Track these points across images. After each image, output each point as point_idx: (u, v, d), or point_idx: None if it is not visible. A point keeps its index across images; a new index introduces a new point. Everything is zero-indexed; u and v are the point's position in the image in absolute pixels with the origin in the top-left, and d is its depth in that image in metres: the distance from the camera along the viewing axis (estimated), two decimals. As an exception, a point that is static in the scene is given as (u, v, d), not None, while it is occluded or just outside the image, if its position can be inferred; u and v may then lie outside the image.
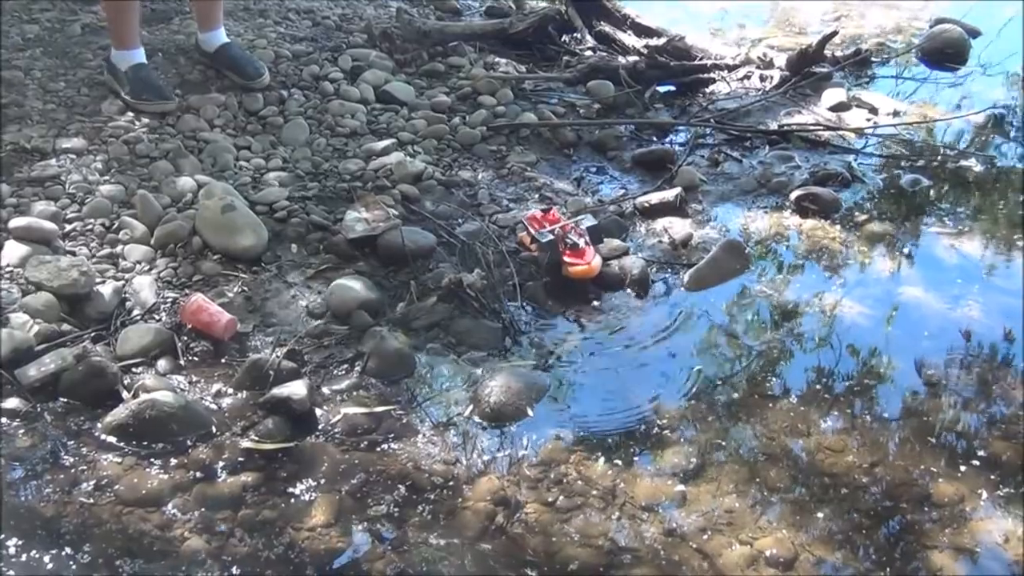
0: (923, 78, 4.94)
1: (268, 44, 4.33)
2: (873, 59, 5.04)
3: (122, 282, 3.01)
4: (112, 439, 2.54)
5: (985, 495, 2.47)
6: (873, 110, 4.49)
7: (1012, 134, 4.42)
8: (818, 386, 2.88)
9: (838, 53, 4.92)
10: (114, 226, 3.21)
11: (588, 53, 4.80)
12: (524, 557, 2.29)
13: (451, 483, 2.48)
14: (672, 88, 4.66)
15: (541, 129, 4.14)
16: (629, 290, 3.24)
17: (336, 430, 2.63)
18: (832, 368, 2.95)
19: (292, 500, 2.42)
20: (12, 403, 2.61)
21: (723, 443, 2.65)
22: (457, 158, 3.90)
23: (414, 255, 3.22)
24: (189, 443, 2.55)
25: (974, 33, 5.28)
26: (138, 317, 2.92)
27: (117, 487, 2.41)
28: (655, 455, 2.61)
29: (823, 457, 2.59)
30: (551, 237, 3.23)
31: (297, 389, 2.64)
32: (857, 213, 3.73)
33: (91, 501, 2.38)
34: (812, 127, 4.32)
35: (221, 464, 2.51)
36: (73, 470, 2.46)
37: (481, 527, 2.36)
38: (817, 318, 3.16)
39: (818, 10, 5.82)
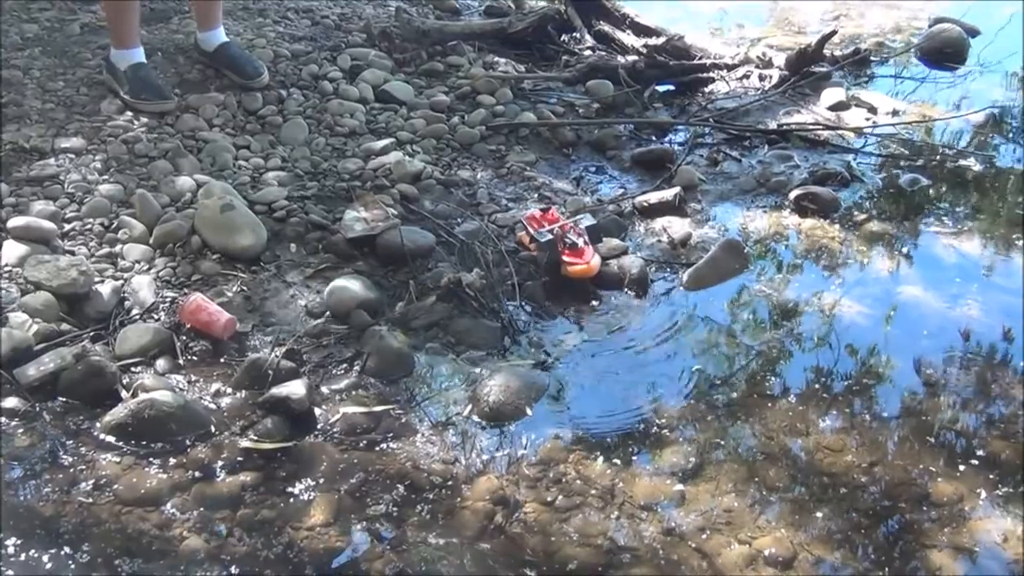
0: (922, 77, 4.95)
1: (267, 43, 4.33)
2: (872, 58, 5.05)
3: (121, 281, 3.01)
4: (111, 438, 2.54)
5: (984, 494, 2.47)
6: (872, 109, 4.49)
7: (1011, 133, 4.42)
8: (817, 385, 2.88)
9: (837, 52, 4.92)
10: (113, 225, 3.21)
11: (587, 52, 4.80)
12: (523, 556, 2.29)
13: (450, 482, 2.48)
14: (671, 87, 4.66)
15: (540, 128, 4.14)
16: (628, 290, 3.24)
17: (335, 429, 2.63)
18: (831, 367, 2.95)
19: (291, 499, 2.42)
20: (11, 402, 2.61)
21: (722, 442, 2.65)
22: (456, 157, 3.90)
23: (413, 254, 3.22)
24: (188, 443, 2.55)
25: (973, 32, 5.29)
26: (137, 317, 2.92)
27: (116, 486, 2.41)
28: (654, 454, 2.61)
29: (822, 456, 2.60)
30: (550, 236, 3.23)
31: (296, 389, 2.64)
32: (856, 212, 3.73)
33: (90, 500, 2.38)
34: (811, 126, 4.32)
35: (220, 463, 2.51)
36: (72, 469, 2.46)
37: (480, 526, 2.36)
38: (816, 317, 3.16)
39: (817, 10, 5.83)
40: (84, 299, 2.91)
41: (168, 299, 2.99)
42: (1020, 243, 3.54)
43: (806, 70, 4.68)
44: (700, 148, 4.16)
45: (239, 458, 2.52)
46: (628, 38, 4.89)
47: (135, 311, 2.94)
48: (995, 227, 3.68)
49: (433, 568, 2.26)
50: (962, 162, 4.12)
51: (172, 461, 2.50)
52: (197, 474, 2.47)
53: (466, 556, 2.29)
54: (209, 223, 3.18)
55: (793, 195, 3.75)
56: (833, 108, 4.48)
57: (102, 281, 2.99)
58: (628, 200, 3.73)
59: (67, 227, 3.17)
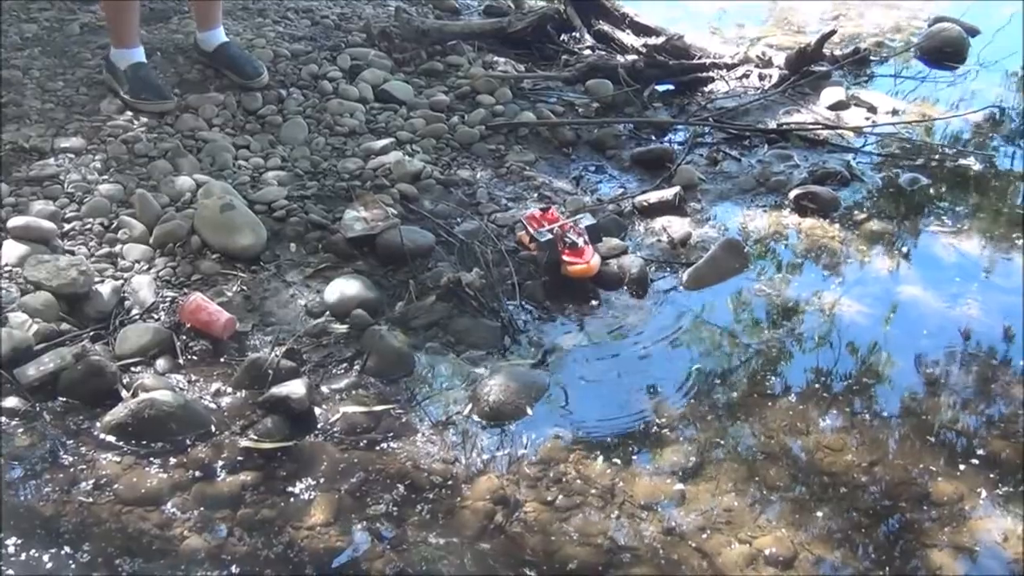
0: (922, 77, 4.95)
1: (267, 43, 4.33)
2: (872, 58, 5.05)
3: (121, 281, 3.01)
4: (111, 438, 2.54)
5: (984, 494, 2.47)
6: (872, 109, 4.49)
7: (1011, 133, 4.42)
8: (817, 385, 2.88)
9: (837, 52, 4.92)
10: (113, 225, 3.21)
11: (587, 52, 4.80)
12: (523, 556, 2.29)
13: (450, 482, 2.48)
14: (671, 87, 4.66)
15: (540, 128, 4.14)
16: (628, 289, 3.24)
17: (335, 429, 2.63)
18: (831, 367, 2.95)
19: (291, 499, 2.42)
20: (11, 402, 2.61)
21: (722, 442, 2.65)
22: (456, 157, 3.90)
23: (413, 254, 3.22)
24: (188, 442, 2.55)
25: (973, 32, 5.29)
26: (137, 316, 2.92)
27: (116, 486, 2.41)
28: (654, 454, 2.61)
29: (822, 456, 2.60)
30: (550, 236, 3.23)
31: (296, 388, 2.64)
32: (856, 212, 3.73)
33: (90, 500, 2.38)
34: (811, 126, 4.32)
35: (220, 463, 2.51)
36: (72, 469, 2.46)
37: (480, 526, 2.36)
38: (816, 317, 3.16)
39: (817, 9, 5.83)
40: (84, 299, 2.91)
41: (168, 299, 2.99)
42: (1020, 242, 3.54)
43: (806, 69, 4.68)
44: (700, 147, 4.16)
45: (239, 458, 2.52)
46: (628, 37, 4.89)
47: (135, 311, 2.94)
48: (995, 226, 3.68)
49: (433, 568, 2.26)
50: (962, 161, 4.12)
51: (172, 461, 2.50)
52: (197, 474, 2.47)
53: (466, 556, 2.29)
54: (209, 223, 3.18)
55: (793, 194, 3.76)
56: (833, 107, 4.48)
57: (102, 281, 2.99)
58: (628, 199, 3.73)
59: (67, 227, 3.17)
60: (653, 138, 4.24)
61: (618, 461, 2.56)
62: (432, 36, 4.58)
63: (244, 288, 3.07)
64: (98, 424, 2.57)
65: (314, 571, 2.25)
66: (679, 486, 2.49)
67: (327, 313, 3.00)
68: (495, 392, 2.71)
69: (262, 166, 3.63)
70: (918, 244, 3.58)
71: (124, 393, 2.66)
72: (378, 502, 2.42)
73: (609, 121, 4.28)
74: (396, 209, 3.44)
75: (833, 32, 4.88)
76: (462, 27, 4.79)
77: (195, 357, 2.84)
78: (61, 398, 2.66)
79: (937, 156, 4.16)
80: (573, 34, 4.96)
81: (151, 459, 2.50)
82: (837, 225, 3.64)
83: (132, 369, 2.76)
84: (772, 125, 4.32)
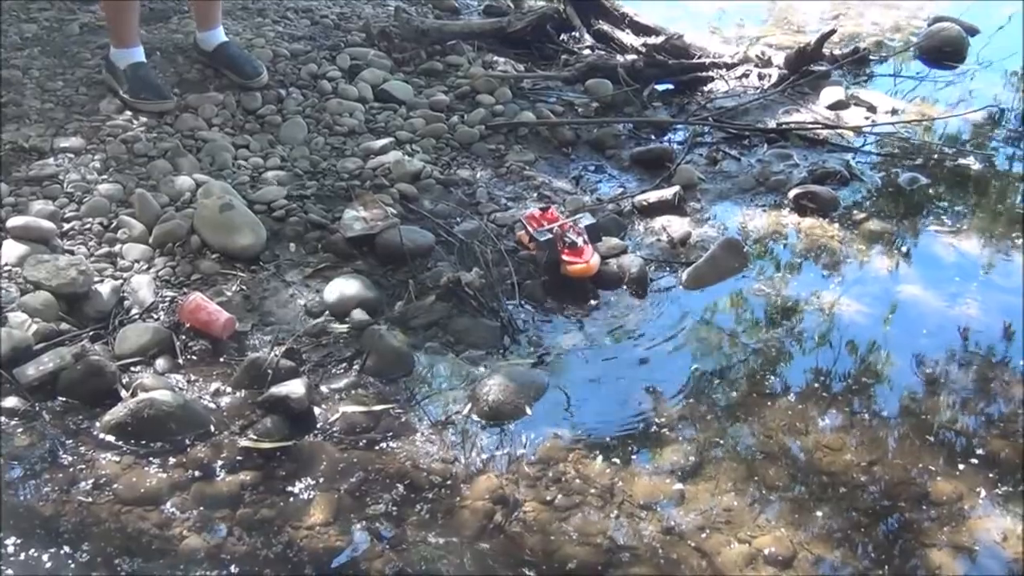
0: (921, 76, 4.95)
1: (266, 43, 4.33)
2: (871, 57, 5.05)
3: (120, 281, 3.01)
4: (111, 438, 2.54)
5: (983, 493, 2.47)
6: (871, 108, 4.50)
7: (1010, 132, 4.42)
8: (816, 384, 2.88)
9: (836, 51, 4.92)
10: (112, 225, 3.21)
11: (586, 52, 4.80)
12: (522, 556, 2.29)
13: (449, 482, 2.48)
14: (670, 86, 4.66)
15: (539, 128, 4.14)
16: (627, 289, 3.24)
17: (334, 429, 2.63)
18: (830, 366, 2.95)
19: (291, 499, 2.42)
20: (11, 402, 2.61)
21: (721, 441, 2.65)
22: (455, 157, 3.90)
23: (412, 254, 3.22)
24: (187, 442, 2.55)
25: (972, 31, 5.29)
26: (136, 316, 2.92)
27: (116, 486, 2.41)
28: (653, 453, 2.61)
29: (821, 455, 2.60)
30: (549, 236, 3.23)
31: (295, 388, 2.64)
32: (855, 211, 3.73)
33: (90, 500, 2.38)
34: (810, 125, 4.32)
35: (219, 463, 2.51)
36: (72, 469, 2.46)
37: (479, 526, 2.36)
38: (815, 316, 3.16)
39: (816, 9, 5.83)
40: (83, 299, 2.91)
41: (167, 298, 2.99)
42: (1019, 242, 3.54)
43: (805, 69, 4.68)
44: (699, 147, 4.16)
45: (238, 457, 2.52)
46: (627, 37, 4.89)
47: (134, 311, 2.94)
48: (994, 226, 3.68)
49: (433, 567, 2.26)
50: (961, 161, 4.12)
51: (171, 460, 2.50)
52: (196, 473, 2.47)
53: (466, 555, 2.29)
54: (208, 222, 3.18)
55: (792, 194, 3.76)
56: (832, 107, 4.48)
57: (101, 281, 2.99)
58: (627, 199, 3.73)
59: (66, 227, 3.17)
60: (653, 138, 4.24)
61: (617, 460, 2.56)
62: (432, 36, 4.58)
63: (243, 288, 3.07)
64: (97, 424, 2.57)
65: (313, 571, 2.25)
66: (678, 486, 2.49)
67: (326, 313, 3.00)
68: (494, 392, 2.72)
69: (261, 166, 3.63)
70: (917, 244, 3.58)
71: (123, 393, 2.66)
72: (377, 502, 2.42)
73: (609, 121, 4.28)
74: (395, 209, 3.44)
75: (833, 32, 4.88)
76: (462, 27, 4.79)
77: (194, 357, 2.84)
78: (60, 398, 2.66)
79: (936, 156, 4.16)
80: (573, 34, 4.97)
81: (150, 459, 2.50)
82: (836, 225, 3.64)
83: (131, 369, 2.76)
84: (772, 125, 4.32)
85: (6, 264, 2.94)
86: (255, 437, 2.57)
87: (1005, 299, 3.24)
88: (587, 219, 3.35)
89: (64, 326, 2.84)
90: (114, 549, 2.26)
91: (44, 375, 2.66)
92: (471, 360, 2.89)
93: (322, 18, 4.72)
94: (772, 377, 2.91)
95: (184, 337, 2.87)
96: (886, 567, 2.29)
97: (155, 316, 2.93)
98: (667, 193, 3.68)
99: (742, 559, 2.29)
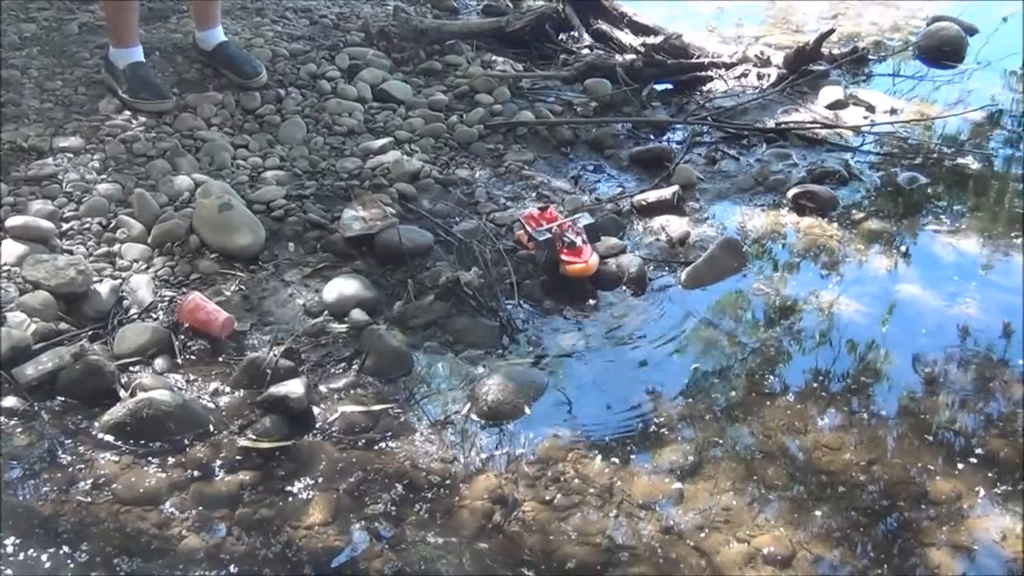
0: (920, 76, 4.94)
1: (265, 43, 4.33)
2: (870, 57, 5.05)
3: (119, 281, 3.01)
4: (110, 438, 2.54)
5: (982, 493, 2.47)
6: (870, 108, 4.50)
7: (1009, 132, 4.42)
8: (815, 384, 2.88)
9: (835, 51, 4.92)
10: (111, 225, 3.21)
11: (585, 51, 4.80)
12: (521, 555, 2.29)
13: (448, 481, 2.48)
14: (669, 86, 4.66)
15: (538, 127, 4.14)
16: (626, 288, 3.24)
17: (333, 428, 2.63)
18: (829, 366, 2.95)
19: (290, 499, 2.42)
20: (10, 402, 2.61)
21: (720, 441, 2.65)
22: (454, 156, 3.90)
23: (411, 253, 3.22)
24: (186, 442, 2.55)
25: (971, 31, 5.29)
26: (135, 316, 2.92)
27: (115, 486, 2.41)
28: (652, 453, 2.61)
29: (820, 455, 2.60)
30: (548, 235, 3.23)
31: (294, 388, 2.64)
32: (854, 211, 3.73)
33: (89, 500, 2.38)
34: (809, 125, 4.32)
35: (218, 463, 2.51)
36: (71, 469, 2.46)
37: (478, 525, 2.36)
38: (814, 316, 3.16)
39: (815, 8, 5.83)
40: (82, 298, 2.91)
41: (166, 298, 2.99)
42: (1018, 241, 3.54)
43: (804, 69, 4.68)
44: (698, 147, 4.16)
45: (237, 457, 2.52)
46: (626, 37, 4.89)
47: (133, 310, 2.94)
48: (993, 225, 3.68)
49: (432, 567, 2.26)
50: (960, 160, 4.12)
51: (170, 460, 2.50)
52: (196, 473, 2.47)
53: (465, 555, 2.29)
54: (207, 222, 3.18)
55: (791, 193, 3.76)
56: (831, 106, 4.48)
57: (100, 280, 2.99)
58: (626, 199, 3.73)
59: (65, 226, 3.17)
60: (651, 137, 4.24)
61: (616, 460, 2.56)
62: (430, 35, 4.58)
63: (242, 287, 3.07)
64: (96, 424, 2.57)
65: (312, 571, 2.25)
66: (677, 485, 2.49)
67: (325, 312, 3.00)
68: (493, 391, 2.72)
69: (260, 165, 3.63)
70: (916, 243, 3.58)
71: (122, 393, 2.66)
72: (376, 501, 2.42)
73: (607, 120, 4.28)
74: (394, 208, 3.44)
75: (831, 31, 4.88)
76: (460, 26, 4.79)
77: (193, 356, 2.84)
78: (59, 397, 2.66)
79: (935, 155, 4.16)
80: (571, 33, 4.97)
81: (149, 459, 2.50)
82: (835, 224, 3.64)
83: (130, 368, 2.76)
84: (770, 124, 4.32)
85: (5, 264, 2.94)
86: (254, 437, 2.57)
87: (1004, 298, 3.24)
88: (586, 219, 3.35)
89: (63, 326, 2.84)
90: (113, 549, 2.26)
91: (43, 375, 2.66)
92: (470, 360, 2.89)
93: (321, 18, 4.72)
94: (771, 376, 2.91)
95: (183, 337, 2.87)
96: (885, 566, 2.29)
97: (154, 316, 2.93)
98: (666, 193, 3.68)
99: (741, 558, 2.29)
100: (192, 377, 2.77)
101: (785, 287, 3.30)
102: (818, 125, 4.31)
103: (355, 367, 2.83)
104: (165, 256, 3.14)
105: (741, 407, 2.77)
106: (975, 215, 3.74)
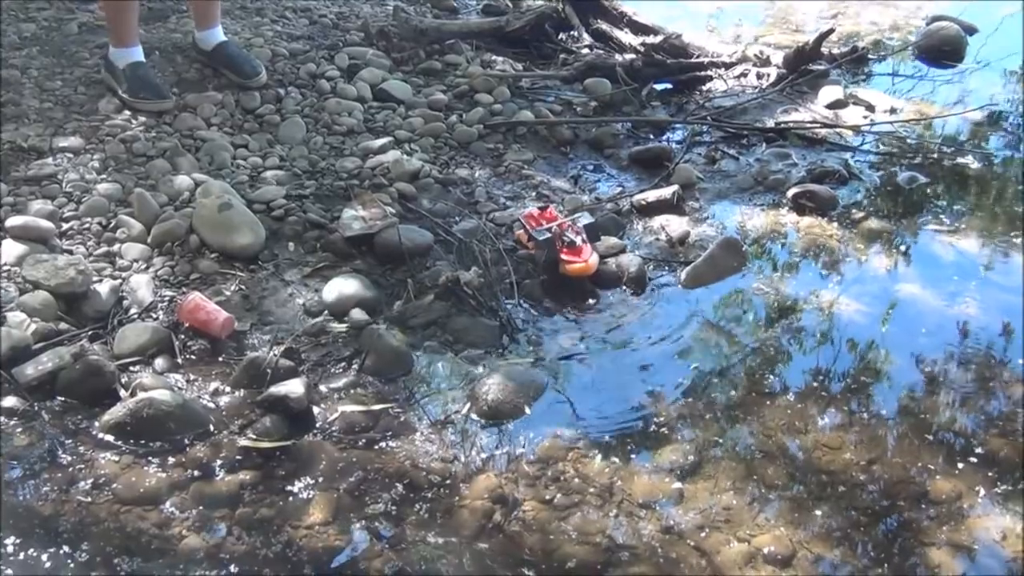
0: (920, 75, 4.94)
1: (265, 42, 4.32)
2: (870, 56, 5.05)
3: (119, 281, 3.01)
4: (110, 438, 2.54)
5: (983, 492, 2.47)
6: (870, 107, 4.50)
7: (1009, 131, 4.42)
8: (815, 383, 2.88)
9: (835, 51, 4.92)
10: (111, 225, 3.20)
11: (585, 51, 4.80)
12: (521, 555, 2.29)
13: (449, 481, 2.48)
14: (669, 86, 4.66)
15: (538, 127, 4.14)
16: (626, 288, 3.24)
17: (334, 428, 2.63)
18: (829, 365, 2.95)
19: (290, 498, 2.42)
20: (10, 402, 2.61)
21: (720, 440, 2.65)
22: (454, 156, 3.90)
23: (411, 253, 3.22)
24: (187, 441, 2.55)
25: (971, 30, 5.29)
26: (135, 316, 2.92)
27: (115, 485, 2.41)
28: (652, 452, 2.61)
29: (820, 454, 2.60)
30: (548, 235, 3.23)
31: (295, 387, 2.64)
32: (854, 210, 3.73)
33: (89, 499, 2.38)
34: (809, 125, 4.32)
35: (219, 462, 2.51)
36: (71, 469, 2.46)
37: (479, 525, 2.36)
38: (814, 315, 3.16)
39: (815, 8, 5.83)
40: (82, 298, 2.91)
41: (166, 298, 2.99)
42: (1018, 241, 3.55)
43: (804, 68, 4.68)
44: (698, 146, 4.17)
45: (238, 457, 2.52)
46: (626, 36, 4.89)
47: (133, 310, 2.94)
48: (993, 225, 3.68)
49: (432, 567, 2.26)
50: (960, 160, 4.12)
51: (171, 460, 2.50)
52: (196, 473, 2.47)
53: (465, 555, 2.29)
54: (207, 222, 3.18)
55: (791, 193, 3.76)
56: (831, 106, 4.48)
57: (100, 280, 2.99)
58: (626, 198, 3.73)
59: (65, 226, 3.17)
60: (651, 137, 4.24)
61: (616, 460, 2.56)
62: (430, 35, 4.58)
63: (242, 287, 3.07)
64: (96, 423, 2.57)
65: (313, 570, 2.25)
66: (677, 484, 2.49)
67: (325, 312, 3.00)
68: (493, 391, 2.72)
69: (260, 165, 3.63)
70: (916, 242, 3.58)
71: (122, 392, 2.66)
72: (377, 501, 2.42)
73: (607, 120, 4.28)
74: (394, 208, 3.44)
75: (831, 31, 4.88)
76: (460, 26, 4.79)
77: (193, 356, 2.84)
78: (59, 397, 2.66)
79: (935, 155, 4.16)
80: (571, 33, 4.97)
81: (149, 458, 2.50)
82: (835, 224, 3.64)
83: (130, 368, 2.76)
84: (770, 124, 4.32)
85: (5, 264, 2.94)
86: (254, 436, 2.57)
87: (1004, 298, 3.24)
88: (586, 218, 3.35)
89: (63, 326, 2.84)
90: (113, 549, 2.26)
91: (43, 375, 2.66)
92: (470, 359, 2.89)
93: (321, 17, 4.72)
94: (771, 376, 2.91)
95: (183, 336, 2.87)
96: (885, 566, 2.29)
97: (154, 316, 2.93)
98: (666, 192, 3.68)
99: (741, 558, 2.29)
100: (192, 377, 2.77)
101: (785, 287, 3.30)
102: (818, 125, 4.31)
103: (355, 367, 2.83)
104: (165, 256, 3.14)
105: (741, 407, 2.77)
106: (975, 215, 3.74)
